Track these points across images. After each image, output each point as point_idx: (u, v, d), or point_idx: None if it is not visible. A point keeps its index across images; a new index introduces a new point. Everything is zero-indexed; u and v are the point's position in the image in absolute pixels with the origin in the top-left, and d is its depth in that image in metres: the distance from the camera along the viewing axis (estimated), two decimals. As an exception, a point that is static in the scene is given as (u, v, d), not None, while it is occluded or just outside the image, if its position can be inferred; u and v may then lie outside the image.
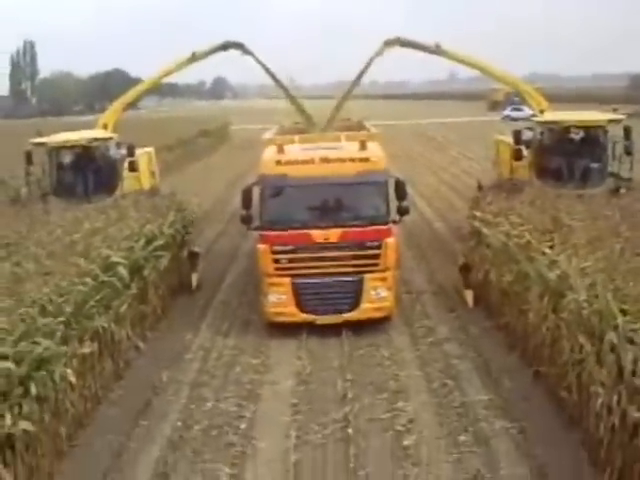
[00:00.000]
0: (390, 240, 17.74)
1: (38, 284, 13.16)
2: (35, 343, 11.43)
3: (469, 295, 19.48)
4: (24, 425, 10.64)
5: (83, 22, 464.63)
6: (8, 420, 10.36)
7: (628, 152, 22.49)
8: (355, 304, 17.71)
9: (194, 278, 21.94)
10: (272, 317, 17.96)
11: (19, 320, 11.73)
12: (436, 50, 26.93)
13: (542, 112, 25.52)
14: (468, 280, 19.77)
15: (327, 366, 15.84)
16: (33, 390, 11.08)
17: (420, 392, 14.37)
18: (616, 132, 22.88)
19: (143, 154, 27.04)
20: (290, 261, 17.63)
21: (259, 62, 27.14)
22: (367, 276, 17.67)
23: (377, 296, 17.72)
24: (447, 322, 18.41)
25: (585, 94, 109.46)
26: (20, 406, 10.76)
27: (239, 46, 27.36)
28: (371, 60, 26.43)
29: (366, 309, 17.72)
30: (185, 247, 22.63)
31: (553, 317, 13.63)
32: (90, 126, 27.63)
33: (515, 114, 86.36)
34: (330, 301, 17.70)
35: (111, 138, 25.65)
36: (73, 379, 12.39)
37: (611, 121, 23.31)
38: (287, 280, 17.70)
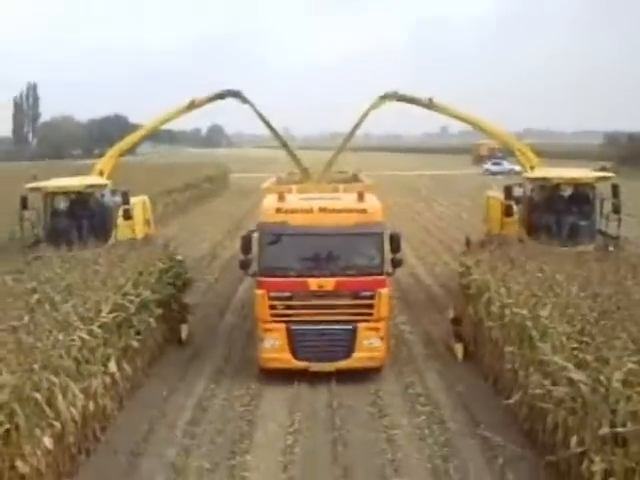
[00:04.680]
0: (384, 291, 18.00)
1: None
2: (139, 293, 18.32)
3: (459, 349, 20.12)
4: (134, 343, 17.44)
5: (86, 67, 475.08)
6: (123, 338, 16.99)
7: (616, 210, 22.57)
8: (348, 352, 17.95)
9: (184, 330, 22.22)
10: (266, 363, 18.30)
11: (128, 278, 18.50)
12: (429, 104, 27.06)
13: (532, 168, 25.41)
14: (459, 334, 20.41)
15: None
16: (136, 323, 17.86)
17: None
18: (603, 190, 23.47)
19: (138, 202, 27.12)
20: (286, 307, 17.94)
21: (256, 111, 27.11)
22: (361, 325, 17.92)
23: (370, 345, 17.98)
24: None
25: (573, 151, 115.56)
26: (129, 332, 17.43)
27: (237, 95, 27.27)
28: (367, 113, 26.55)
29: (359, 358, 17.97)
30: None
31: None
32: (88, 170, 27.82)
33: (494, 168, 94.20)
34: (324, 348, 17.93)
35: (106, 185, 25.35)
36: (154, 324, 19.09)
37: (600, 179, 23.66)
38: (282, 326, 17.98)
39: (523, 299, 15.96)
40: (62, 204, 24.20)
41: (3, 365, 11.82)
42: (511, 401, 14.93)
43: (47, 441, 11.96)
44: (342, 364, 17.93)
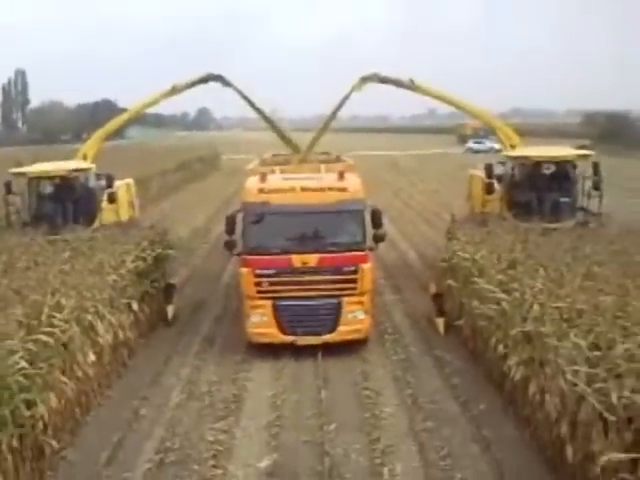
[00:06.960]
0: (366, 265, 18.50)
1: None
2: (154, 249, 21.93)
3: (440, 323, 20.51)
4: (150, 290, 21.05)
5: (75, 53, 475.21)
6: (142, 285, 20.54)
7: (596, 187, 22.95)
8: (333, 326, 18.48)
9: (170, 310, 22.50)
10: (254, 337, 18.90)
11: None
12: (411, 86, 27.34)
13: (513, 147, 26.03)
14: (441, 308, 20.65)
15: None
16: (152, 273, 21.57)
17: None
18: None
19: (122, 185, 27.19)
20: (271, 284, 18.39)
21: (240, 93, 27.30)
22: (345, 299, 18.43)
23: (354, 319, 18.53)
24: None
25: (553, 129, 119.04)
26: (146, 281, 20.99)
27: (219, 78, 27.54)
28: (348, 95, 26.79)
29: (344, 331, 18.50)
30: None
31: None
32: (76, 155, 28.10)
33: (476, 146, 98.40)
34: (309, 323, 18.43)
35: (90, 169, 25.63)
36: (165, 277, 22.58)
37: (580, 156, 24.11)
38: (268, 302, 18.49)
39: (467, 248, 19.64)
40: (47, 188, 24.34)
41: (58, 295, 15.25)
42: (459, 322, 18.89)
43: (91, 355, 15.39)
44: (328, 337, 18.53)
